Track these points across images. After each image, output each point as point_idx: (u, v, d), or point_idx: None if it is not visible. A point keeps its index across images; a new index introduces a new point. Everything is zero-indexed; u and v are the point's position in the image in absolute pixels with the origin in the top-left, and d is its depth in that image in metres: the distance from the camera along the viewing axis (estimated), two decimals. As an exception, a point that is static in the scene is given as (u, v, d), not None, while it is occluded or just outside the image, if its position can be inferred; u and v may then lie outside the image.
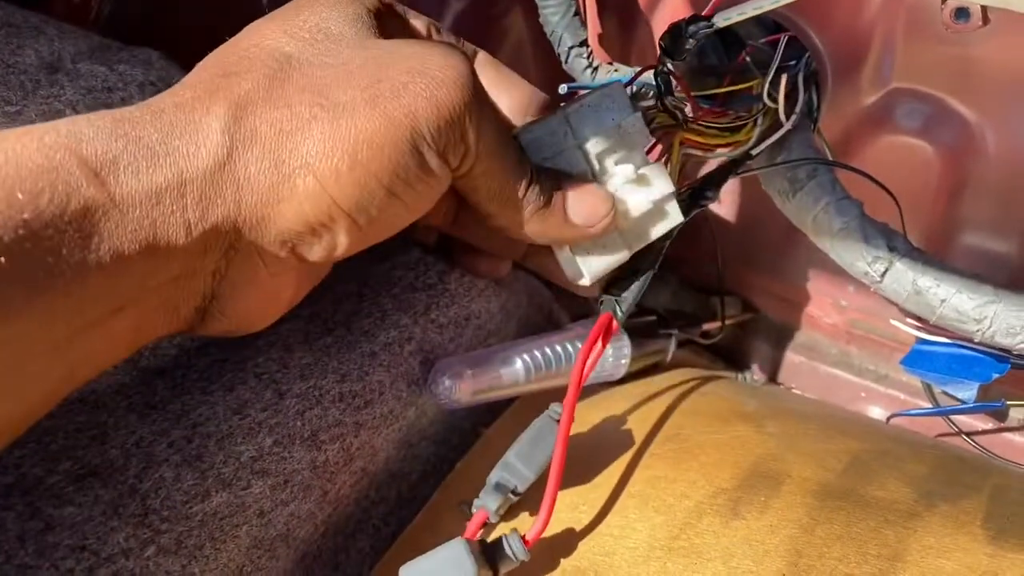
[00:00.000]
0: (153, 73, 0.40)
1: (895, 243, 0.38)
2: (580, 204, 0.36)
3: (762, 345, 0.61)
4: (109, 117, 0.28)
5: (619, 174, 0.37)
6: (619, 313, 0.40)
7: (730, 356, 0.62)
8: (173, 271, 0.29)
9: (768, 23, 0.47)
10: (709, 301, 0.61)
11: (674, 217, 0.39)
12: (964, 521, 0.34)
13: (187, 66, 0.41)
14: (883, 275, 0.38)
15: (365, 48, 0.31)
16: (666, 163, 0.41)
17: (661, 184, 0.38)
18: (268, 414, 0.34)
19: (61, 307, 0.26)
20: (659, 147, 0.41)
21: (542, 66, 0.55)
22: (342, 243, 0.31)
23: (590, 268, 0.39)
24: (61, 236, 0.25)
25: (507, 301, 0.46)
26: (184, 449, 0.32)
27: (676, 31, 0.35)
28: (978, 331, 0.37)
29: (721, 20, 0.35)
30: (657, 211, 0.39)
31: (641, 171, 0.38)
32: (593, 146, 0.37)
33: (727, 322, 0.57)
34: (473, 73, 0.31)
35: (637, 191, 0.38)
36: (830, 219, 0.40)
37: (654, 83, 0.42)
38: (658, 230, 0.39)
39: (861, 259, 0.39)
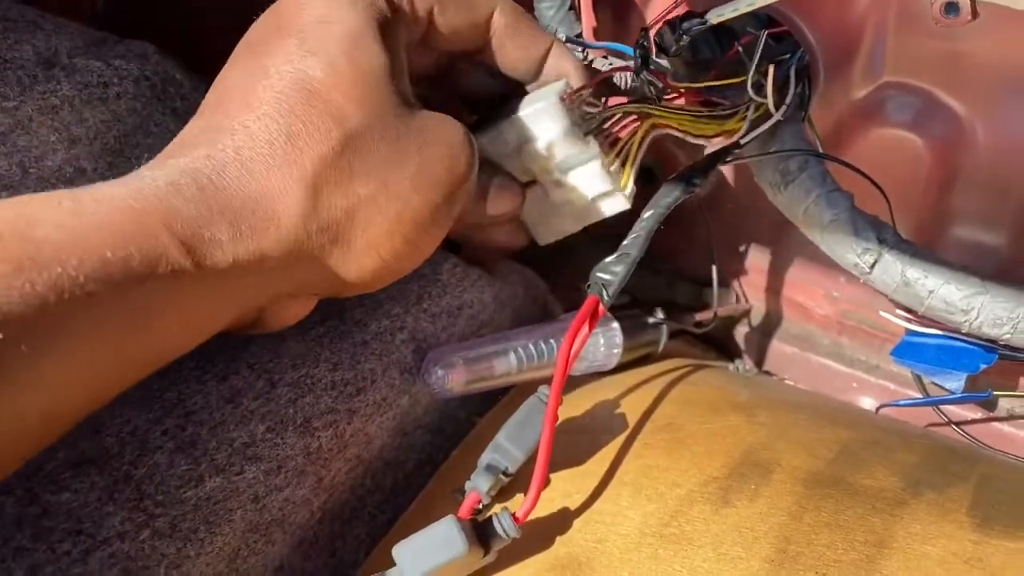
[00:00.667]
0: (149, 67, 0.40)
1: (884, 235, 0.39)
2: (498, 200, 0.42)
3: (754, 335, 0.61)
4: (195, 186, 0.30)
5: (556, 173, 0.42)
6: (606, 296, 0.40)
7: (722, 346, 0.62)
8: (239, 317, 0.33)
9: (763, 17, 0.48)
10: (702, 292, 0.61)
11: (603, 210, 0.43)
12: (950, 509, 0.34)
13: (185, 59, 0.42)
14: (872, 267, 0.38)
15: (403, 119, 0.34)
16: (626, 159, 0.42)
17: (596, 182, 0.42)
18: (260, 402, 0.35)
19: (140, 348, 0.29)
20: (625, 130, 0.42)
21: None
22: (374, 288, 0.36)
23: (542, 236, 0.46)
24: (147, 295, 0.28)
25: (500, 291, 0.46)
26: (177, 436, 0.33)
27: (670, 27, 0.35)
28: (965, 322, 0.37)
29: (714, 16, 0.35)
30: (587, 210, 0.43)
31: (577, 172, 0.42)
32: (534, 148, 0.41)
33: (720, 313, 0.57)
34: (475, 149, 0.37)
35: (577, 186, 0.42)
36: (820, 211, 0.40)
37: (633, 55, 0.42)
38: (595, 216, 0.44)
39: (851, 251, 0.39)
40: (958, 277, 0.37)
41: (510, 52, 0.40)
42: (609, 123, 0.41)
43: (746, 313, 0.61)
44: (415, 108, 0.35)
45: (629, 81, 0.46)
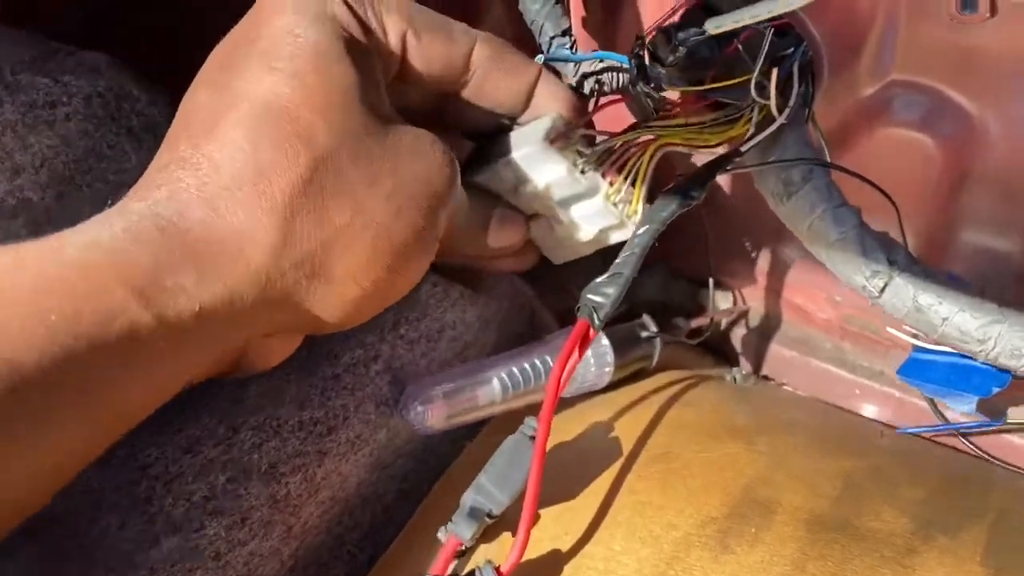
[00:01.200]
0: (101, 83, 0.37)
1: (895, 256, 0.36)
2: (500, 233, 0.40)
3: (752, 338, 0.59)
4: (155, 229, 0.28)
5: (557, 210, 0.41)
6: (596, 321, 0.38)
7: (718, 349, 0.60)
8: (215, 363, 0.31)
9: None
10: (698, 293, 0.59)
11: (613, 238, 0.42)
12: (964, 557, 0.32)
13: (144, 67, 0.38)
14: (882, 290, 0.36)
15: (376, 136, 0.32)
16: (634, 181, 0.40)
17: (600, 217, 0.40)
18: (221, 450, 0.32)
19: (100, 417, 0.26)
20: (629, 157, 0.40)
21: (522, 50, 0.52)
22: (359, 320, 0.34)
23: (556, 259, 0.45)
24: (102, 358, 0.25)
25: (485, 308, 0.43)
26: (131, 493, 0.30)
27: (664, 35, 0.33)
28: (981, 351, 0.34)
29: (712, 27, 0.32)
30: (598, 239, 0.42)
31: (580, 208, 0.40)
32: (532, 188, 0.39)
33: (716, 319, 0.55)
34: (455, 165, 0.34)
35: (581, 221, 0.41)
36: (826, 228, 0.37)
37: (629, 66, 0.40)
38: (604, 245, 0.43)
39: (859, 273, 0.36)
40: (974, 304, 0.34)
41: (493, 87, 0.37)
42: (612, 157, 0.38)
43: (744, 315, 0.59)
44: (390, 123, 0.33)
45: (620, 80, 0.43)
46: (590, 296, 0.38)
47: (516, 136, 0.40)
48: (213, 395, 0.34)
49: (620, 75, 0.43)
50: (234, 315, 0.29)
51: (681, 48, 0.34)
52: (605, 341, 0.43)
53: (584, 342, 0.37)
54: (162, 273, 0.27)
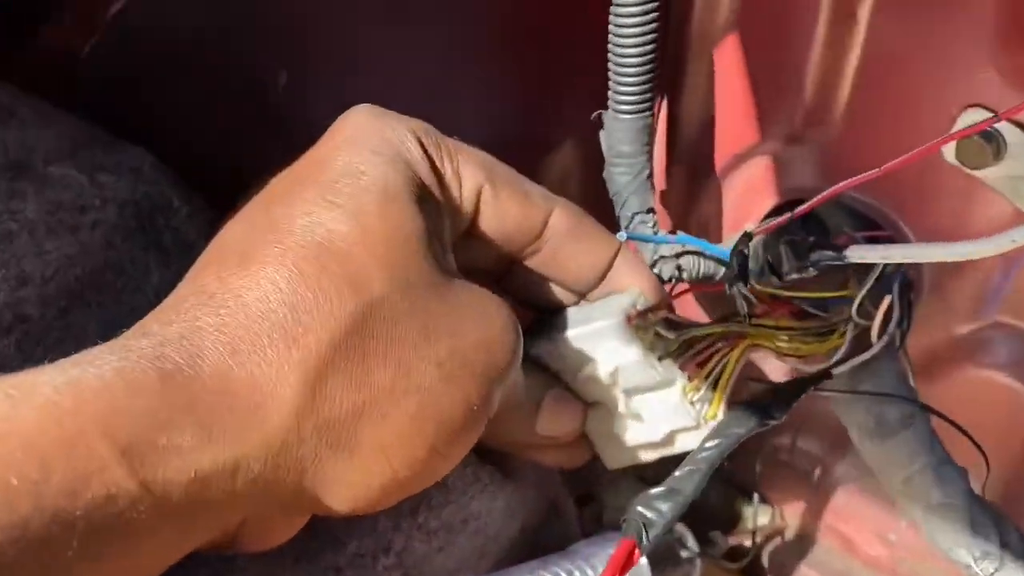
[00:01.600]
0: (140, 188, 0.33)
1: (1008, 536, 0.31)
2: (551, 419, 0.35)
3: (787, 558, 0.53)
4: (155, 374, 0.23)
5: (622, 401, 0.35)
6: (645, 541, 0.32)
7: (754, 567, 0.54)
8: (207, 540, 0.25)
9: (860, 215, 0.41)
10: (737, 502, 0.54)
11: (680, 444, 0.36)
12: None
13: (186, 156, 0.33)
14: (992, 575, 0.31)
15: (436, 289, 0.27)
16: (715, 382, 0.35)
17: (673, 416, 0.35)
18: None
19: None
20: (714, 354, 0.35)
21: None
22: (379, 508, 0.28)
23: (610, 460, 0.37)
24: (68, 535, 0.20)
25: (512, 496, 0.38)
26: None
27: (792, 248, 0.29)
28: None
29: (856, 257, 0.29)
30: (663, 443, 0.36)
31: (650, 401, 0.35)
32: (596, 370, 0.34)
33: (757, 538, 0.49)
34: (520, 335, 0.30)
35: (649, 418, 0.35)
36: (928, 488, 0.32)
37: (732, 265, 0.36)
38: (669, 451, 0.36)
39: (964, 548, 0.31)
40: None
41: (567, 259, 0.33)
42: (694, 348, 0.34)
43: (780, 531, 0.53)
44: (453, 279, 0.29)
45: (701, 268, 0.40)
46: (641, 510, 0.32)
47: (586, 310, 0.35)
48: (196, 568, 0.28)
49: (701, 262, 0.39)
50: (235, 489, 0.23)
51: (811, 269, 0.30)
52: (644, 562, 0.38)
53: (627, 564, 0.32)
54: (156, 429, 0.22)
